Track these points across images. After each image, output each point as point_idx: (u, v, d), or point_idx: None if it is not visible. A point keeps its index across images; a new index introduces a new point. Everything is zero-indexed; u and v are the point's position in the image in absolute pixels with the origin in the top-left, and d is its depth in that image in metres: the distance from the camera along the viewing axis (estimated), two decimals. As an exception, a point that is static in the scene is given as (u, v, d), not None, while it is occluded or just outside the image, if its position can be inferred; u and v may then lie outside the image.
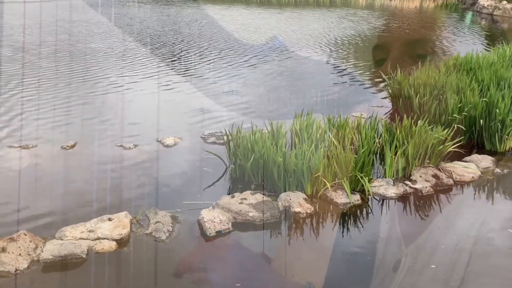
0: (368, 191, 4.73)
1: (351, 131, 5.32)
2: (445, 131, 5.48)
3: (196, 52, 11.63)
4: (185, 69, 10.05)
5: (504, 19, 20.13)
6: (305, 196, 4.61)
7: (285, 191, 4.68)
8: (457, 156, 5.57)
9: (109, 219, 4.09)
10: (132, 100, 7.87)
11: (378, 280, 3.64)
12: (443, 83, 6.80)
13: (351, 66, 10.82)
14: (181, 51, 11.72)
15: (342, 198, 4.63)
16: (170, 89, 8.48)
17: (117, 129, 6.49)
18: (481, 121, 5.98)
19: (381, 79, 8.84)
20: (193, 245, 4.03)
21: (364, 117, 6.29)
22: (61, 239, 3.88)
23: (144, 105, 7.63)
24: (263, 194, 4.57)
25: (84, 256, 3.72)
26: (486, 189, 5.10)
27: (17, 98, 7.65)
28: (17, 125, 6.50)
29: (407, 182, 4.99)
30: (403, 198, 4.79)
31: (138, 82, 8.82)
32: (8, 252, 3.63)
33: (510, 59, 8.19)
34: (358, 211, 4.57)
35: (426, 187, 4.92)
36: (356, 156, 4.83)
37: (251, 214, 4.30)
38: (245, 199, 4.47)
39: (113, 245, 3.85)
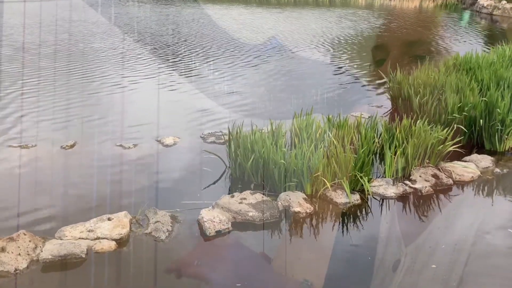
0: (368, 190, 4.73)
1: (351, 130, 5.32)
2: (445, 130, 5.49)
3: (196, 51, 11.62)
4: (185, 69, 10.04)
5: (504, 19, 20.14)
6: (305, 196, 4.61)
7: (284, 191, 4.68)
8: (456, 156, 5.57)
9: (109, 219, 4.09)
10: (132, 100, 7.87)
11: (378, 280, 3.64)
12: (442, 83, 6.80)
13: (351, 65, 10.82)
14: (181, 51, 11.72)
15: (342, 197, 4.63)
16: (170, 88, 8.48)
17: (117, 128, 6.49)
18: (481, 121, 5.98)
19: (381, 79, 8.84)
20: (192, 245, 4.03)
21: (364, 117, 6.29)
22: (61, 239, 3.88)
23: (144, 105, 7.63)
24: (263, 194, 4.58)
25: (83, 256, 3.71)
26: (485, 189, 5.10)
27: (16, 98, 7.65)
28: (16, 125, 6.50)
29: (407, 182, 4.99)
30: (402, 198, 4.79)
31: (138, 82, 8.81)
32: (8, 252, 3.63)
33: (509, 58, 8.19)
34: (358, 211, 4.57)
35: (426, 187, 4.92)
36: (355, 156, 4.83)
37: (250, 213, 4.30)
38: (244, 198, 4.47)
39: (112, 245, 3.85)
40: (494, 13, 21.26)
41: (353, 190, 4.75)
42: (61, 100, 7.56)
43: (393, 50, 13.31)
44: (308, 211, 4.42)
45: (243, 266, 3.83)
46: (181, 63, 10.56)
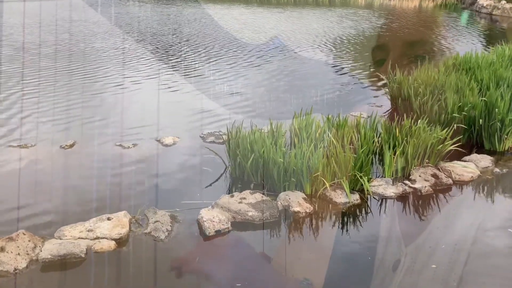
0: (367, 190, 4.73)
1: (351, 130, 5.32)
2: (444, 130, 5.48)
3: (198, 51, 11.62)
4: (186, 69, 10.04)
5: (503, 19, 20.13)
6: (305, 196, 4.61)
7: (284, 191, 4.68)
8: (456, 156, 5.56)
9: (108, 219, 4.09)
10: (132, 100, 7.87)
11: (378, 280, 3.64)
12: (442, 83, 6.80)
13: (351, 65, 10.81)
14: (183, 51, 11.71)
15: (342, 197, 4.63)
16: (171, 89, 8.48)
17: (117, 128, 6.49)
18: (481, 120, 5.98)
19: (380, 79, 8.84)
20: (192, 245, 4.03)
21: (363, 117, 6.28)
22: (60, 239, 3.88)
23: (144, 105, 7.62)
24: (263, 194, 4.57)
25: (83, 255, 3.71)
26: (485, 188, 5.09)
27: (16, 97, 7.65)
28: (16, 125, 6.50)
29: (406, 182, 4.99)
30: (402, 198, 4.79)
31: (140, 82, 8.81)
32: (7, 252, 3.63)
33: (509, 58, 8.19)
34: (357, 211, 4.56)
35: (425, 186, 4.92)
36: (355, 155, 4.83)
37: (250, 213, 4.30)
38: (244, 198, 4.46)
39: (112, 244, 3.85)
40: (493, 13, 21.25)
41: (352, 190, 4.75)
42: (61, 100, 7.56)
43: (393, 50, 13.30)
44: (307, 210, 4.42)
45: (243, 266, 3.83)
46: (183, 63, 10.55)
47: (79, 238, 3.89)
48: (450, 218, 4.51)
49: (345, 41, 13.62)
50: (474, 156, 5.58)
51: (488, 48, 12.35)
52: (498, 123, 5.82)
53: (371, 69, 10.46)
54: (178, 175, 5.24)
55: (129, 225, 4.09)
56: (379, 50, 12.91)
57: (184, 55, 11.30)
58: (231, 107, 7.47)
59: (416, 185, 4.92)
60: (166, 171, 5.32)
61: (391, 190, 4.83)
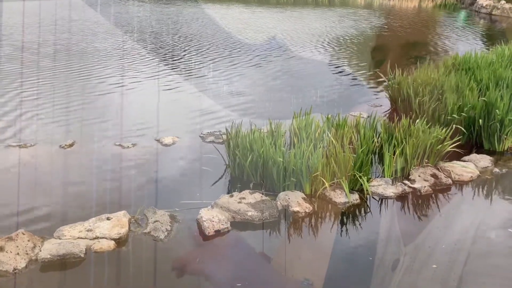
0: (367, 190, 4.73)
1: (350, 130, 5.32)
2: (444, 130, 5.48)
3: (199, 51, 11.61)
4: (186, 68, 10.04)
5: (503, 19, 20.14)
6: (304, 196, 4.61)
7: (283, 190, 4.68)
8: (456, 156, 5.57)
9: (108, 218, 4.08)
10: (132, 100, 7.86)
11: (378, 279, 3.64)
12: (442, 83, 6.79)
13: (351, 65, 10.81)
14: (183, 50, 11.71)
15: (341, 197, 4.63)
16: (171, 88, 8.47)
17: (116, 128, 6.48)
18: (480, 120, 5.98)
19: (380, 79, 8.83)
20: (191, 245, 4.03)
21: (363, 117, 6.28)
22: (60, 238, 3.88)
23: (144, 105, 7.62)
24: (262, 193, 4.57)
25: (82, 255, 3.71)
26: (484, 188, 5.10)
27: (16, 97, 7.64)
28: (16, 124, 6.49)
29: (406, 182, 4.99)
30: (401, 198, 4.79)
31: (139, 82, 8.81)
32: (6, 251, 3.62)
33: (508, 58, 8.18)
34: (357, 211, 4.56)
35: (425, 186, 4.92)
36: (354, 155, 4.83)
37: (250, 213, 4.29)
38: (244, 198, 4.46)
39: (111, 244, 3.85)
40: (493, 13, 21.25)
41: (352, 190, 4.75)
42: (60, 99, 7.55)
43: (393, 50, 13.30)
44: (307, 210, 4.42)
45: (242, 265, 3.83)
46: (183, 62, 10.55)
47: (78, 238, 3.89)
48: (450, 218, 4.51)
49: (345, 41, 13.62)
50: (474, 156, 5.58)
51: (488, 48, 12.34)
52: (498, 123, 5.83)
53: (371, 69, 10.46)
54: (178, 175, 5.24)
55: (129, 225, 4.09)
56: (379, 50, 12.91)
57: (184, 54, 11.29)
58: (231, 107, 7.47)
59: (416, 185, 4.93)
60: (166, 171, 5.31)
61: (390, 190, 4.83)
